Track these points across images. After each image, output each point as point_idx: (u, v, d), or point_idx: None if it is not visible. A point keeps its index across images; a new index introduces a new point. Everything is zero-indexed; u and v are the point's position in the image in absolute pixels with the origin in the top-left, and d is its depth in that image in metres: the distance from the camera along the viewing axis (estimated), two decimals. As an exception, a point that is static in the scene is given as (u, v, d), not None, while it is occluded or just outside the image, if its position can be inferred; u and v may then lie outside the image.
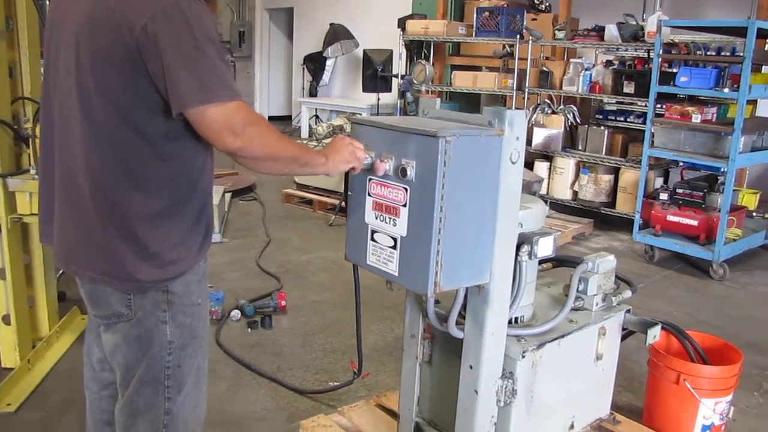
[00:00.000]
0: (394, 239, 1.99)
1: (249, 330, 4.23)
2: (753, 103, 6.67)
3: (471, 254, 2.00)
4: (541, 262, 2.91)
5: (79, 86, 1.79)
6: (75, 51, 1.79)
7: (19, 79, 3.61)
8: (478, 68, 8.59)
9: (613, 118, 7.64)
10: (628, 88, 6.62)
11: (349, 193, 2.15)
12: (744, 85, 5.12)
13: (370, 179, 2.05)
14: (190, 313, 1.99)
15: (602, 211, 6.97)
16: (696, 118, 5.60)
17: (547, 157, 7.44)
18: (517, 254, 2.17)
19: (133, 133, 1.78)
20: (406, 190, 1.93)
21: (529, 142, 7.38)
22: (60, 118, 1.89)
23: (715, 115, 5.76)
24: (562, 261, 2.75)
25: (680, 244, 5.70)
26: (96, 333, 2.13)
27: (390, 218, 1.99)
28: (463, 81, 8.07)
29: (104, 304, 1.94)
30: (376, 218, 2.04)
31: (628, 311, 2.66)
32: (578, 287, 2.51)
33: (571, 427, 2.57)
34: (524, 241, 2.18)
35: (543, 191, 7.31)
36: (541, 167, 7.44)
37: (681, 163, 6.36)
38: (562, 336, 2.36)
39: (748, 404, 3.51)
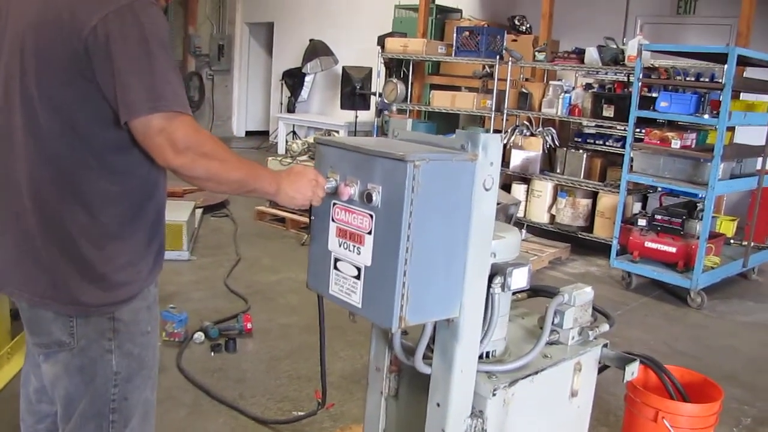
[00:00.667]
0: (358, 269, 1.85)
1: (212, 353, 4.06)
2: (731, 130, 6.63)
3: (440, 286, 1.87)
4: (515, 292, 2.80)
5: (22, 93, 1.65)
6: (19, 55, 1.65)
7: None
8: (457, 88, 8.52)
9: (592, 141, 7.58)
10: (608, 111, 6.55)
11: (312, 218, 2.02)
12: (724, 111, 5.06)
13: (334, 204, 1.91)
14: (138, 343, 1.85)
15: (579, 236, 6.88)
16: (675, 144, 5.53)
17: (525, 180, 7.35)
18: (489, 286, 2.05)
19: (79, 145, 1.65)
20: (371, 216, 1.80)
21: (506, 164, 7.30)
22: (1, 127, 1.73)
23: (694, 141, 5.70)
24: (537, 291, 2.63)
25: (658, 271, 5.61)
26: (34, 362, 1.98)
27: (354, 246, 1.86)
28: (441, 101, 7.97)
29: (44, 331, 1.79)
30: (340, 246, 1.91)
31: (605, 345, 2.54)
32: (553, 320, 2.39)
33: (544, 467, 2.44)
34: (497, 272, 2.06)
35: (520, 214, 7.21)
36: (518, 190, 7.35)
37: (660, 189, 6.29)
38: (536, 372, 2.22)
39: (727, 441, 3.40)
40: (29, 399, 2.05)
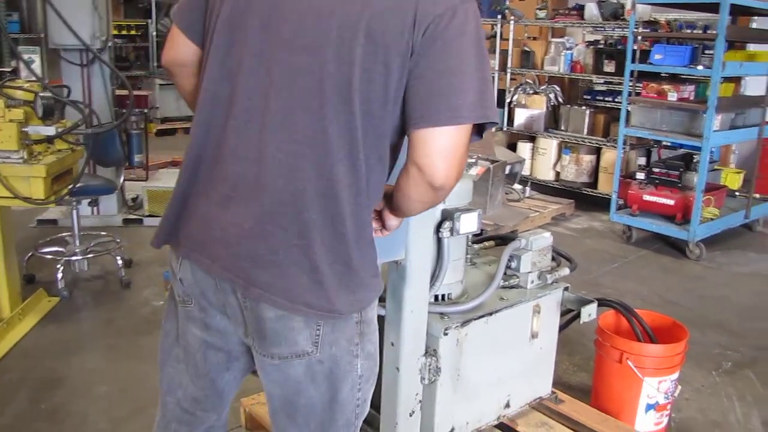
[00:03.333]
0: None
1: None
2: (734, 81, 6.60)
3: None
4: (481, 240, 2.90)
5: (320, 73, 1.43)
6: (324, 33, 1.42)
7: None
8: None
9: (601, 98, 7.59)
10: (609, 67, 6.57)
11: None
12: (717, 62, 5.06)
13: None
14: (374, 341, 1.69)
15: (584, 192, 6.93)
16: (672, 97, 5.54)
17: (531, 138, 7.39)
18: (439, 231, 2.16)
19: (373, 136, 1.48)
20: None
21: (510, 122, 7.34)
22: (259, 103, 1.48)
23: (693, 93, 5.70)
24: (500, 239, 2.74)
25: (656, 224, 5.66)
26: (196, 369, 1.74)
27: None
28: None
29: (289, 341, 1.54)
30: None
31: (566, 289, 2.64)
32: (511, 265, 2.49)
33: (507, 405, 2.56)
34: (446, 217, 2.17)
35: (526, 172, 7.27)
36: (524, 148, 7.40)
37: (663, 143, 6.31)
38: (490, 313, 2.34)
39: (704, 383, 3.49)
40: (181, 406, 1.81)
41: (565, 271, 2.64)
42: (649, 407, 2.87)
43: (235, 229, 1.49)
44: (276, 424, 1.69)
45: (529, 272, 2.52)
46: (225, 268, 1.51)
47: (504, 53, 7.35)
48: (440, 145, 1.41)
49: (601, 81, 7.62)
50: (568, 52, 6.94)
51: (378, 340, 1.70)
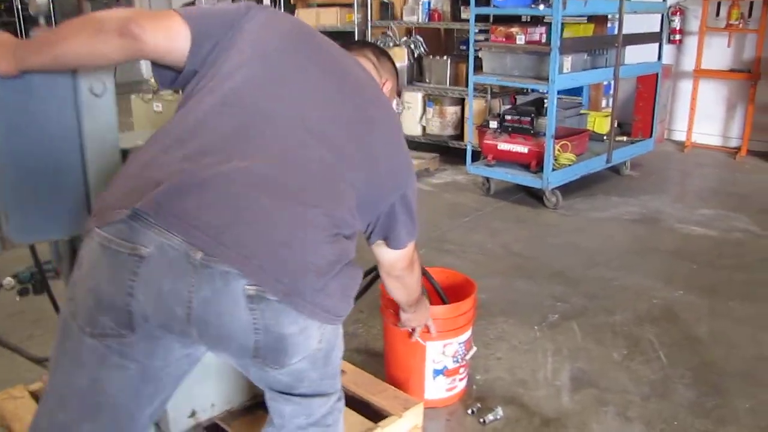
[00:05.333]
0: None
1: (18, 298, 3.84)
2: (601, 20, 6.42)
3: (52, 206, 1.74)
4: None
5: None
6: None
7: None
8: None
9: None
10: (466, 13, 6.29)
11: None
12: (557, 0, 4.83)
13: None
14: None
15: (450, 145, 6.71)
16: (520, 40, 5.32)
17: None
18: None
19: None
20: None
21: (374, 77, 7.03)
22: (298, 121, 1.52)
23: (543, 35, 5.46)
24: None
25: (511, 173, 5.47)
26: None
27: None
28: (305, 19, 7.62)
29: (305, 347, 1.47)
30: None
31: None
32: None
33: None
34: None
35: (395, 128, 6.99)
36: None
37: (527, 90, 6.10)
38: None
39: (522, 339, 3.29)
40: None
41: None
42: (437, 372, 2.64)
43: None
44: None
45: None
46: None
47: (364, 6, 7.01)
48: None
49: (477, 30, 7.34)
50: (425, 0, 6.64)
51: None
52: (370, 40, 7.04)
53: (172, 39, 1.55)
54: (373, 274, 2.60)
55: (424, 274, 2.68)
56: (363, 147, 1.61)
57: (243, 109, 1.48)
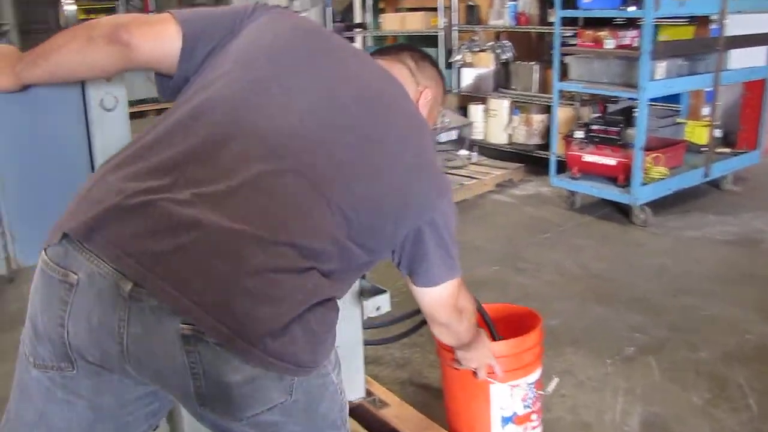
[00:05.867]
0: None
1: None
2: (703, 22, 5.95)
3: None
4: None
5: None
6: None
7: None
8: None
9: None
10: (553, 16, 5.95)
11: None
12: (649, 0, 4.46)
13: None
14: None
15: (536, 155, 6.38)
16: (609, 44, 4.96)
17: (483, 99, 6.83)
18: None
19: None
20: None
21: (458, 83, 6.81)
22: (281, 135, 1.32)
23: (636, 39, 5.08)
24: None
25: (597, 187, 5.11)
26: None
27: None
28: (391, 24, 7.48)
29: (260, 400, 1.24)
30: None
31: (362, 276, 2.17)
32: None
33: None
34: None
35: (480, 136, 6.73)
36: (476, 110, 6.83)
37: (614, 97, 5.71)
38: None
39: (591, 375, 2.97)
40: None
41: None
42: (506, 420, 2.32)
43: None
44: None
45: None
46: None
47: (448, 10, 6.79)
48: None
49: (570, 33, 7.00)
50: (512, 3, 6.34)
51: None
52: (453, 44, 6.82)
53: (164, 44, 1.42)
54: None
55: (478, 309, 2.43)
56: (363, 165, 1.38)
57: (212, 125, 1.28)
